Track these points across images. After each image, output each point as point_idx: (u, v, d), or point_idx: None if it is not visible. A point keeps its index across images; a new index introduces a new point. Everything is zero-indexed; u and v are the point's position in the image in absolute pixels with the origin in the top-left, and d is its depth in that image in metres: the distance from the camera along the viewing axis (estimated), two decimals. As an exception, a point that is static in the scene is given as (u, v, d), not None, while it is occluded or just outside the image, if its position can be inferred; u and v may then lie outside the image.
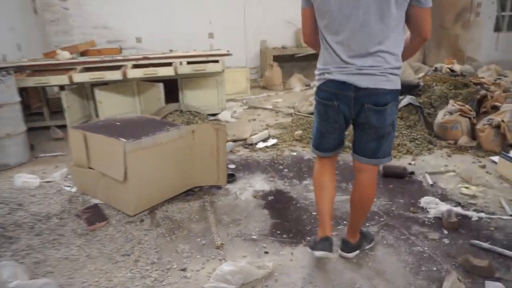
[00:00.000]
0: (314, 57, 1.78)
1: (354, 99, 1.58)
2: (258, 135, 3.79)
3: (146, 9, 7.03)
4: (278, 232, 2.15)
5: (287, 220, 2.29)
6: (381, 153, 1.69)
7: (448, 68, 4.87)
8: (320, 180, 1.88)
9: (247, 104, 5.56)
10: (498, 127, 3.37)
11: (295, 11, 7.95)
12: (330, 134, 1.75)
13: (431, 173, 2.92)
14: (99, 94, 4.25)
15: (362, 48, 1.53)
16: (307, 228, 2.18)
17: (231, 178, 2.86)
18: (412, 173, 2.87)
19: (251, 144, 3.69)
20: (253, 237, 2.11)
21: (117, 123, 2.70)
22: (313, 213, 2.34)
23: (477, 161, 3.18)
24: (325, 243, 1.75)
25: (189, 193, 2.67)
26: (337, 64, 1.60)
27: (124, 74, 4.07)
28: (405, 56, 1.64)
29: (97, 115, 4.41)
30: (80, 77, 4.01)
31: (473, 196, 2.52)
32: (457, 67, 4.91)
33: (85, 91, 4.52)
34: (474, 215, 2.24)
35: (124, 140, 2.23)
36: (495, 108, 3.86)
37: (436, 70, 4.98)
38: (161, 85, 4.30)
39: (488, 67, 6.54)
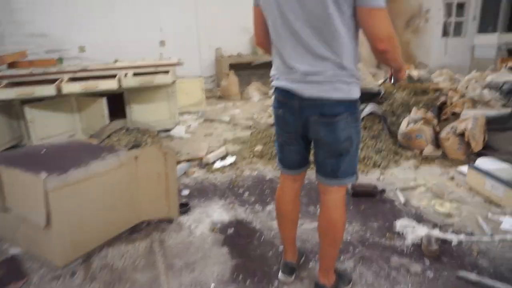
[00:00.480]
0: (271, 65, 1.52)
1: (300, 109, 1.41)
2: (215, 153, 3.44)
3: (90, 15, 6.46)
4: (241, 276, 1.82)
5: (250, 259, 1.96)
6: (341, 172, 1.46)
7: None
8: (281, 206, 1.71)
9: (203, 116, 5.19)
10: (462, 135, 3.28)
11: (250, 17, 7.70)
12: (287, 146, 1.57)
13: (402, 189, 2.73)
14: (29, 112, 3.70)
15: (306, 52, 1.34)
16: (274, 268, 1.87)
17: (185, 208, 2.49)
18: (383, 191, 2.66)
19: (208, 164, 3.33)
20: (211, 286, 1.76)
21: (43, 151, 2.24)
22: (280, 247, 2.04)
23: (445, 173, 3.05)
24: (285, 267, 1.78)
25: (135, 230, 2.27)
26: (283, 69, 1.44)
27: (58, 89, 3.56)
28: (394, 74, 1.49)
29: (29, 137, 3.85)
30: (4, 93, 3.45)
31: (449, 215, 2.35)
32: (415, 73, 4.88)
33: (14, 110, 3.93)
34: (454, 239, 2.05)
35: (45, 176, 1.80)
36: (455, 115, 3.81)
37: (394, 76, 4.91)
38: (104, 99, 3.83)
39: (441, 71, 6.66)
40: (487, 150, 3.28)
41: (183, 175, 3.13)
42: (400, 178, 2.95)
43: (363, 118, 3.84)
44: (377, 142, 3.58)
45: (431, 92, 4.28)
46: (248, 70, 7.44)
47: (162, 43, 7.01)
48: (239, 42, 7.58)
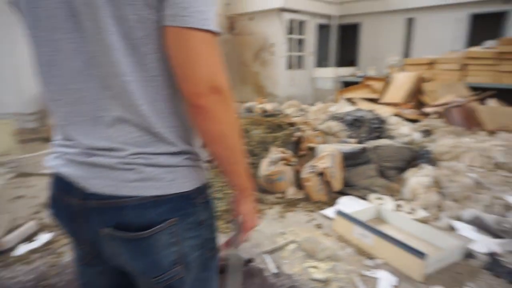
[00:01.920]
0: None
1: (83, 214, 0.77)
2: (18, 232, 2.38)
3: None
4: None
5: None
6: None
7: (260, 108, 4.64)
8: None
9: (16, 169, 3.89)
10: (322, 174, 3.11)
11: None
12: (84, 266, 0.88)
13: (271, 252, 2.28)
14: None
15: (91, 109, 0.74)
16: None
17: None
18: (250, 261, 2.15)
19: (3, 252, 2.26)
20: None
21: None
22: None
23: (310, 219, 2.77)
24: None
25: None
26: (60, 138, 0.81)
27: None
28: (211, 150, 0.77)
29: None
30: None
31: (326, 282, 1.98)
32: (269, 106, 4.76)
33: None
34: (339, 322, 1.65)
35: None
36: (312, 149, 3.72)
37: (249, 111, 4.68)
38: None
39: (290, 103, 6.91)
40: (346, 187, 3.20)
41: (-43, 279, 2.00)
42: (268, 235, 2.51)
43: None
44: (238, 188, 3.12)
45: (286, 127, 4.15)
46: (86, 104, 6.27)
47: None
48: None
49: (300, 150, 3.73)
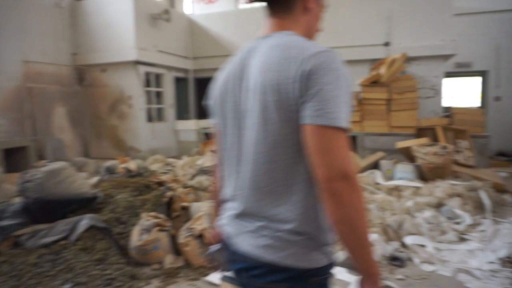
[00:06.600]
0: None
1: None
2: None
3: None
4: None
5: None
6: None
7: (123, 168, 4.23)
8: None
9: None
10: (200, 235, 2.95)
11: None
12: None
13: None
14: None
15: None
16: None
17: None
18: None
19: None
20: None
21: None
22: None
23: (195, 289, 2.55)
24: None
25: None
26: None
27: None
28: (337, 231, 0.89)
29: None
30: None
31: None
32: (132, 165, 4.38)
33: None
34: None
35: None
36: (186, 209, 3.53)
37: (110, 172, 4.21)
38: None
39: (154, 158, 6.60)
40: (226, 245, 3.09)
41: None
42: (148, 320, 2.17)
43: (80, 237, 2.84)
44: (105, 267, 2.67)
45: (155, 187, 3.87)
46: None
47: None
48: None
49: (174, 211, 3.50)
